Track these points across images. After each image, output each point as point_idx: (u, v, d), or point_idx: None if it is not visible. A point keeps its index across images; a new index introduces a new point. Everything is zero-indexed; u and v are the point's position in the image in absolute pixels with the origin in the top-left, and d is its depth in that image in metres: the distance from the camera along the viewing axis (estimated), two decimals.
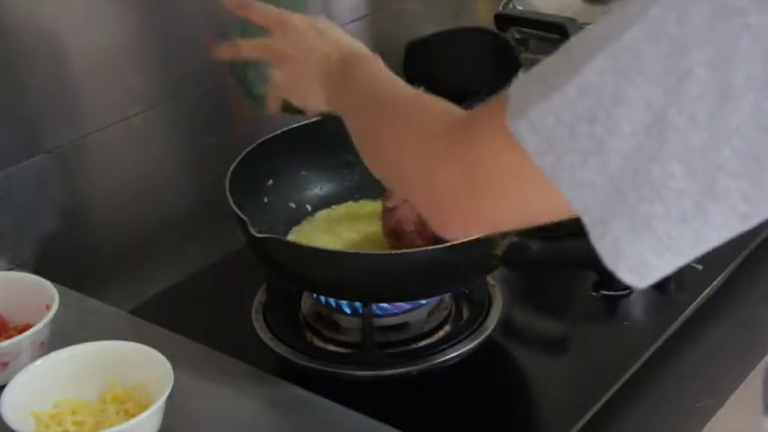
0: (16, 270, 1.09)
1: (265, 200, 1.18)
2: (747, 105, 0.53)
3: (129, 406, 0.85)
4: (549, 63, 0.62)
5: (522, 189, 0.63)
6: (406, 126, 0.74)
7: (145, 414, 0.80)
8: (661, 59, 0.54)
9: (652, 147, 0.55)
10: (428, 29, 1.35)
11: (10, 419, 0.79)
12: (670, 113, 0.54)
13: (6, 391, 0.82)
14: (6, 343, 0.89)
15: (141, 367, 0.86)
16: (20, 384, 0.83)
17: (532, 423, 1.03)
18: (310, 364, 1.03)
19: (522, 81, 0.63)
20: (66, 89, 1.16)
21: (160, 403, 0.81)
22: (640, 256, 0.58)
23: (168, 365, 0.84)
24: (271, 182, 1.19)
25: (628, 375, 1.02)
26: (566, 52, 0.61)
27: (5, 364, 0.89)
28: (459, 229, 0.72)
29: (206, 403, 0.90)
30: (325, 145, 1.18)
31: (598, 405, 0.98)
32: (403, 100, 0.79)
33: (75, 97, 1.18)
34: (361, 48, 0.91)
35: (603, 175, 0.57)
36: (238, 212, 1.01)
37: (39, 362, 0.86)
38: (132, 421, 0.80)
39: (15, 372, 0.85)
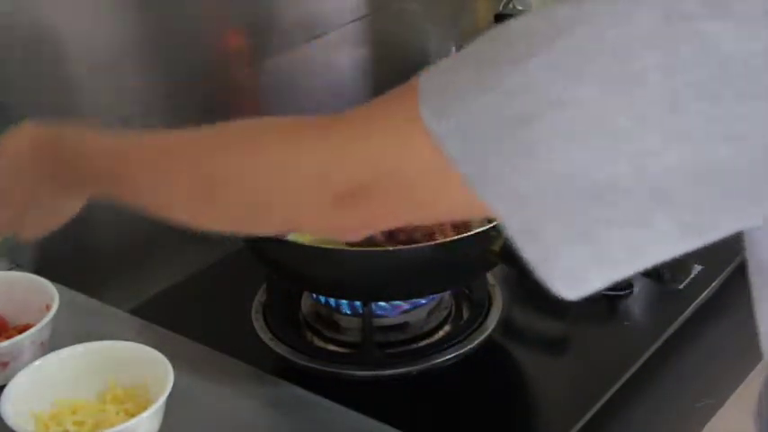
0: (16, 270, 1.08)
1: None
2: (695, 112, 0.50)
3: (129, 406, 0.85)
4: (473, 54, 0.57)
5: (435, 191, 0.58)
6: (273, 149, 0.64)
7: (145, 414, 0.79)
8: (609, 62, 0.51)
9: (596, 149, 0.52)
10: (428, 29, 1.35)
11: (10, 419, 0.79)
12: (620, 117, 0.51)
13: (6, 391, 0.82)
14: (6, 343, 0.89)
15: (141, 367, 0.86)
16: (20, 384, 0.83)
17: (532, 423, 1.03)
18: (310, 364, 1.03)
19: (439, 71, 0.57)
20: (67, 89, 1.16)
21: (160, 403, 0.81)
22: (574, 265, 0.55)
23: (168, 365, 0.84)
24: None
25: (628, 375, 1.02)
26: (498, 42, 0.56)
27: (5, 364, 0.89)
28: (360, 230, 0.65)
29: (206, 403, 0.90)
30: None
31: (598, 405, 0.98)
32: (238, 130, 0.68)
33: (75, 97, 1.17)
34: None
35: (536, 180, 0.53)
36: None
37: (39, 362, 0.86)
38: (132, 421, 0.80)
39: (15, 372, 0.85)
